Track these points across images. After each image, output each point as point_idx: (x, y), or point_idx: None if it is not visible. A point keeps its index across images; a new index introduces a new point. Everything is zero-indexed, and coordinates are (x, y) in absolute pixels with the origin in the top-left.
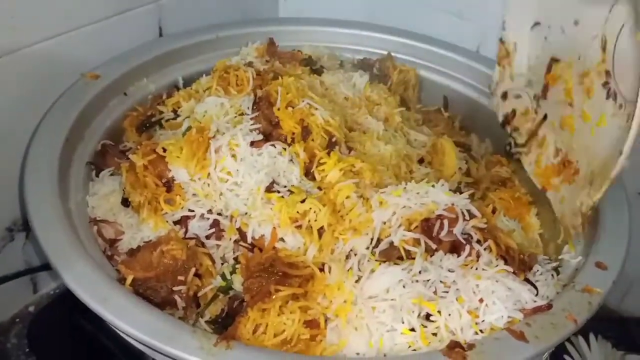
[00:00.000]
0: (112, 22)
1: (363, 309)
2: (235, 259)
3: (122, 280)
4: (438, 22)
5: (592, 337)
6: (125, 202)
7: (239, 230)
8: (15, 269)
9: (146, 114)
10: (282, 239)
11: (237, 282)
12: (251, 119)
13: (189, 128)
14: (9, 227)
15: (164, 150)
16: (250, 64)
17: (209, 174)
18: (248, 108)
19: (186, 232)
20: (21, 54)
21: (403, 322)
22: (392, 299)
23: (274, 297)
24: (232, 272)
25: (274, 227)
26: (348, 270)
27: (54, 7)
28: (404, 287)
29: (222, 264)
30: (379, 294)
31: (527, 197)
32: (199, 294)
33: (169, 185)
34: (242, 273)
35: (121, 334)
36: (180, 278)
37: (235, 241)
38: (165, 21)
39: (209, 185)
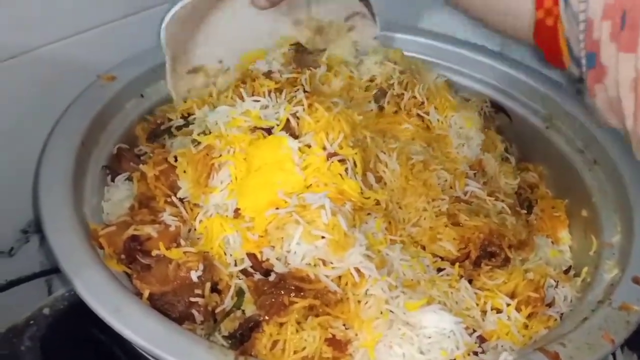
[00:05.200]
0: (127, 22)
1: (406, 332)
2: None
3: (138, 295)
4: (459, 21)
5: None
6: None
7: (251, 255)
8: (30, 270)
9: (156, 122)
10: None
11: (249, 308)
12: None
13: (196, 142)
14: (24, 229)
15: (176, 159)
16: (269, 74)
17: (206, 212)
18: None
19: None
20: (35, 54)
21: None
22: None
23: (290, 309)
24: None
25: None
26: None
27: (68, 7)
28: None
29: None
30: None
31: (562, 211)
32: (217, 310)
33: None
34: (252, 295)
35: (134, 346)
36: (198, 291)
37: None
38: None
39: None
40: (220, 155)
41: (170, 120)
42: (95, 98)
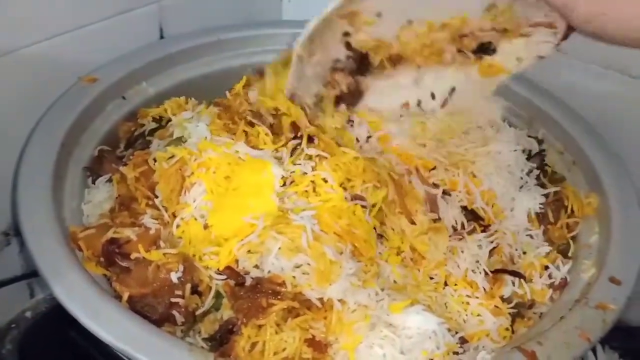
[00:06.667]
0: (111, 23)
1: (388, 334)
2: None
3: (117, 298)
4: None
5: (598, 347)
6: None
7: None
8: (11, 273)
9: (131, 130)
10: None
11: (227, 313)
12: None
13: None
14: (5, 232)
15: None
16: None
17: (182, 218)
18: None
19: None
20: (18, 54)
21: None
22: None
23: (268, 311)
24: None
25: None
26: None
27: (52, 7)
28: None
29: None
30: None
31: None
32: (197, 312)
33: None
34: (229, 300)
35: (114, 350)
36: (178, 293)
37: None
38: (167, 23)
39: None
40: (192, 174)
41: (142, 125)
42: (77, 99)
